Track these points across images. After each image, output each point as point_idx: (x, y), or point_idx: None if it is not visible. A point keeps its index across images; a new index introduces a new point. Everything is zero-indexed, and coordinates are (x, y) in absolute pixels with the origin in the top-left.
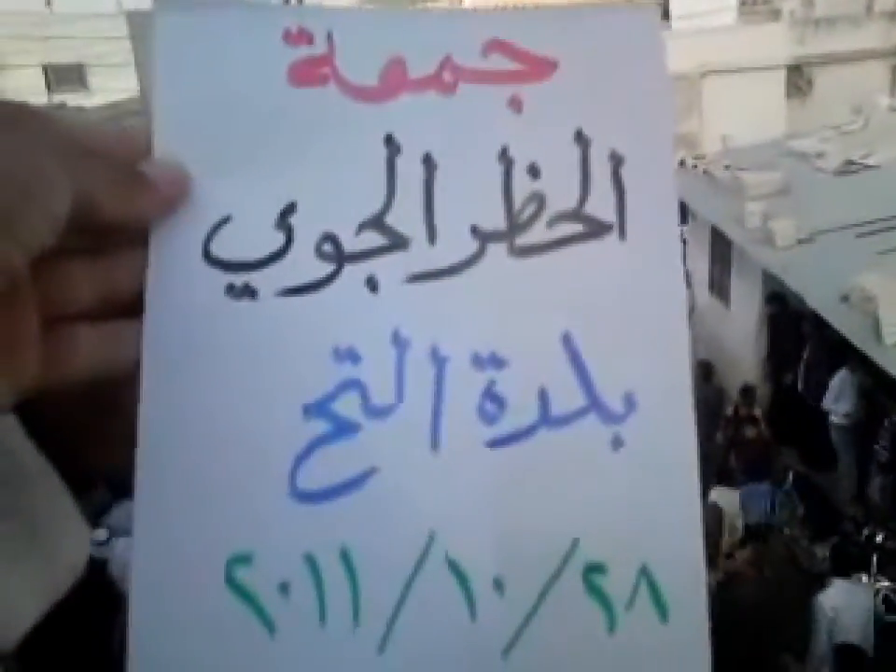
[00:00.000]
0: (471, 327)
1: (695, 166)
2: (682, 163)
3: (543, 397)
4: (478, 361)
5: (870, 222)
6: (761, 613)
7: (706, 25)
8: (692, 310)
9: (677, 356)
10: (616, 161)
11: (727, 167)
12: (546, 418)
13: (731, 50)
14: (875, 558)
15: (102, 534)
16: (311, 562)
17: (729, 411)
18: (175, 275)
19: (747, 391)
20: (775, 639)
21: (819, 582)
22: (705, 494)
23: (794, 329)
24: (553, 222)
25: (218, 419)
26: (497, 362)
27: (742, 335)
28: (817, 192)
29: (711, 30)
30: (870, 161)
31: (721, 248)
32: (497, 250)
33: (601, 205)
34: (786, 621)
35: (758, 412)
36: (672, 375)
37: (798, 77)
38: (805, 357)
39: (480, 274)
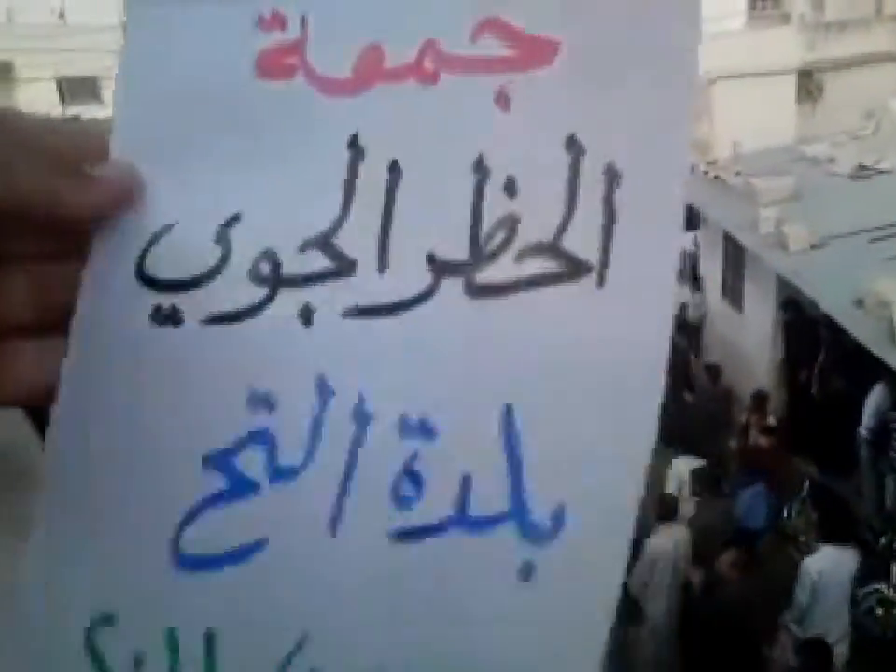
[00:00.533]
0: (405, 382)
1: (706, 172)
2: (693, 169)
3: (465, 487)
4: (405, 427)
5: (882, 227)
6: (747, 613)
7: (714, 30)
8: (704, 315)
9: (633, 466)
10: (611, 178)
11: (738, 173)
12: (461, 517)
13: (740, 55)
14: (894, 567)
15: None
16: (171, 638)
17: (742, 418)
18: (105, 292)
19: (759, 398)
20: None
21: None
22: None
23: (809, 335)
24: (522, 256)
25: (119, 462)
26: (425, 432)
27: (755, 340)
28: (829, 197)
29: (720, 34)
30: (882, 166)
31: (733, 253)
32: (451, 286)
33: (583, 238)
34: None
35: (772, 419)
36: (619, 492)
37: (808, 82)
38: (819, 362)
39: (427, 316)
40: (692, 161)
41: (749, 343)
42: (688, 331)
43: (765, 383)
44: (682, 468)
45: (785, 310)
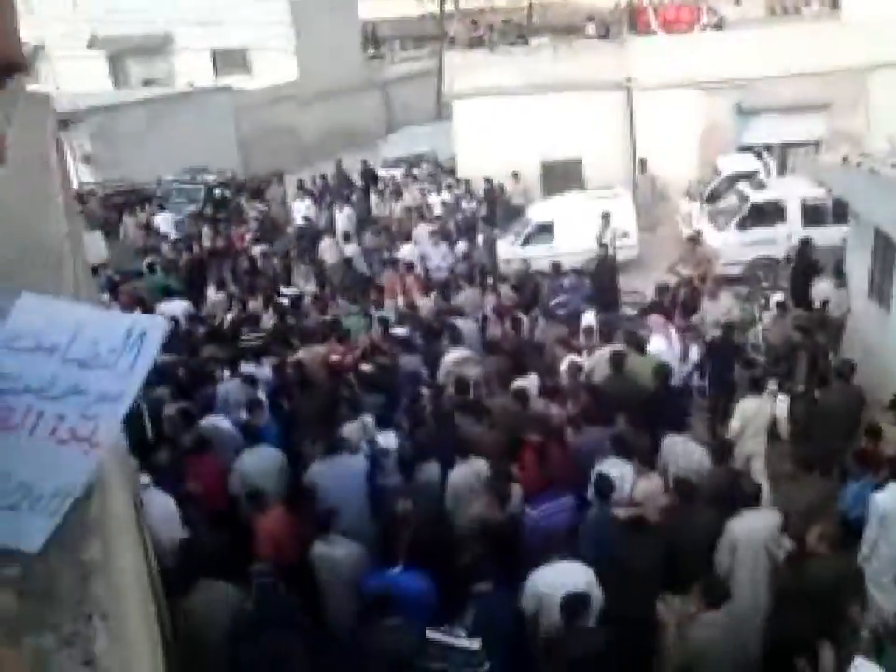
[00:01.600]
0: None
1: (860, 164)
2: (846, 160)
3: None
4: None
5: None
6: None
7: (878, 15)
8: (847, 313)
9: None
10: None
11: (894, 166)
12: None
13: None
14: None
15: (145, 479)
16: None
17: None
18: None
19: None
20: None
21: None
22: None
23: None
24: None
25: None
26: None
27: None
28: None
29: (884, 20)
30: None
31: (883, 250)
32: None
33: None
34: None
35: None
36: None
37: None
38: None
39: None
40: (844, 152)
41: (893, 345)
42: (828, 328)
43: None
44: None
45: None
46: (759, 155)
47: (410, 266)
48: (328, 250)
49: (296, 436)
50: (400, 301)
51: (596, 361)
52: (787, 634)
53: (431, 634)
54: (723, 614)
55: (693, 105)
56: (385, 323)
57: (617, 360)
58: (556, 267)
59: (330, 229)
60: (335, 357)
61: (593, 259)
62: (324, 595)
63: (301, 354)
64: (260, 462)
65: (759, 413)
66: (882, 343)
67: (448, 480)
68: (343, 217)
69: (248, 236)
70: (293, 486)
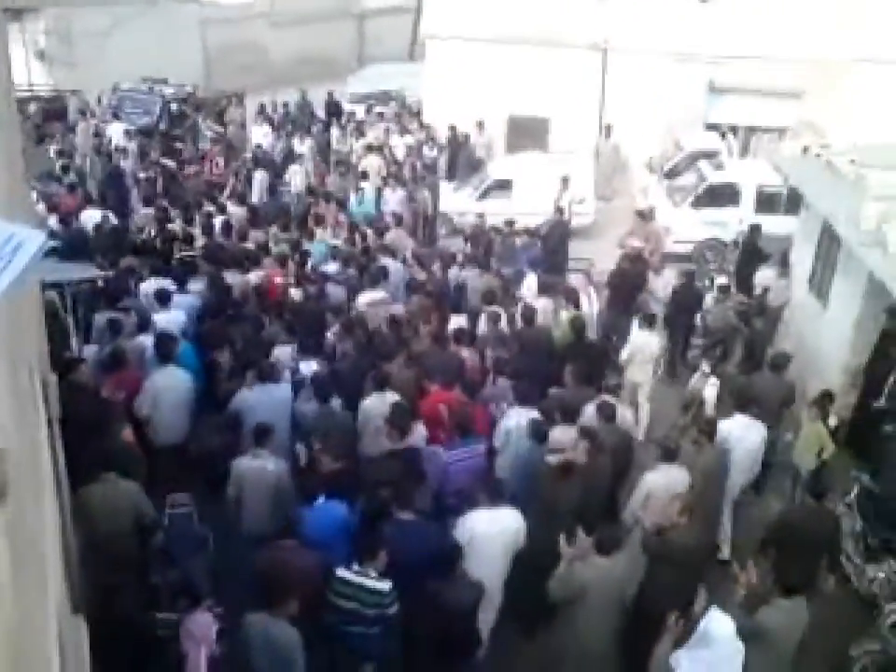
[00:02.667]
0: None
1: (819, 155)
2: (806, 150)
3: None
4: None
5: None
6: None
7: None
8: (786, 303)
9: None
10: None
11: (853, 161)
12: None
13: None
14: None
15: None
16: None
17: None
18: None
19: (823, 398)
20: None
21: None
22: None
23: None
24: None
25: None
26: None
27: (835, 338)
28: None
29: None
30: None
31: (829, 245)
32: None
33: None
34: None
35: (833, 420)
36: None
37: None
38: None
39: None
40: (806, 142)
41: (827, 340)
42: (767, 316)
43: (834, 382)
44: None
45: (891, 316)
46: (723, 135)
47: (341, 203)
48: (295, 176)
49: (219, 357)
50: (329, 234)
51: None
52: (656, 593)
53: (342, 572)
54: (611, 561)
55: (665, 76)
56: (305, 255)
57: (529, 314)
58: (510, 223)
59: (290, 157)
60: (279, 280)
61: (547, 222)
62: (244, 505)
63: (252, 276)
64: (172, 382)
65: (646, 345)
66: (816, 337)
67: (360, 409)
68: (306, 149)
69: (220, 161)
70: (207, 404)
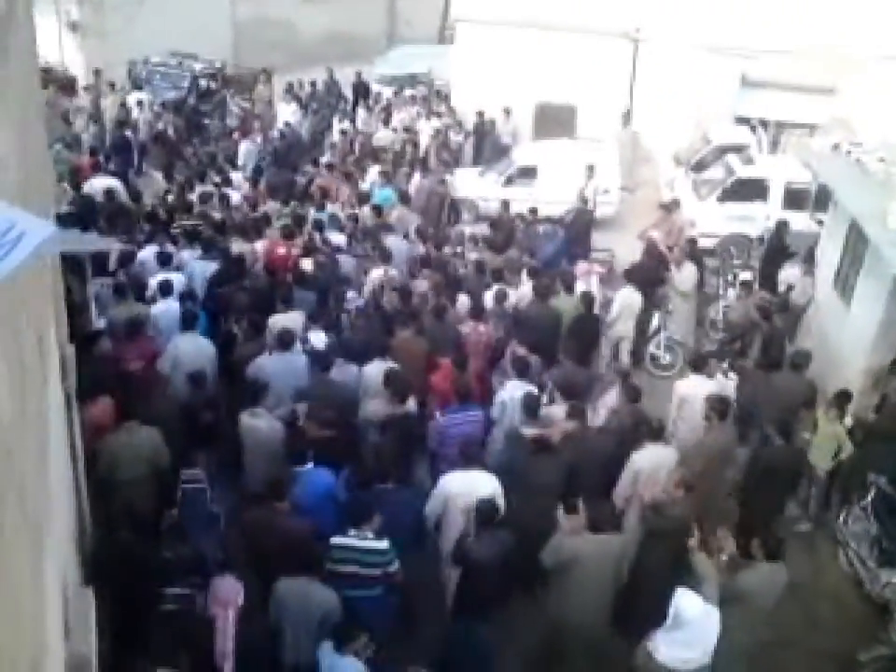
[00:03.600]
0: None
1: (849, 153)
2: (836, 147)
3: None
4: None
5: None
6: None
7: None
8: (809, 301)
9: None
10: None
11: (882, 160)
12: None
13: None
14: None
15: None
16: None
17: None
18: None
19: (841, 397)
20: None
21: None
22: None
23: None
24: None
25: None
26: None
27: (857, 338)
28: None
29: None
30: None
31: (855, 244)
32: None
33: None
34: None
35: (848, 421)
36: None
37: None
38: None
39: None
40: (836, 139)
41: (850, 340)
42: (789, 314)
43: (855, 383)
44: None
45: None
46: (753, 129)
47: (348, 175)
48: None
49: (229, 325)
50: (339, 208)
51: (525, 292)
52: (651, 567)
53: (338, 540)
54: (606, 536)
55: (696, 68)
56: (319, 225)
57: (542, 290)
58: (534, 211)
59: (321, 135)
60: (281, 251)
61: (570, 211)
62: (246, 459)
63: (258, 245)
64: (193, 348)
65: (632, 301)
66: (838, 336)
67: (362, 376)
68: (343, 127)
69: None
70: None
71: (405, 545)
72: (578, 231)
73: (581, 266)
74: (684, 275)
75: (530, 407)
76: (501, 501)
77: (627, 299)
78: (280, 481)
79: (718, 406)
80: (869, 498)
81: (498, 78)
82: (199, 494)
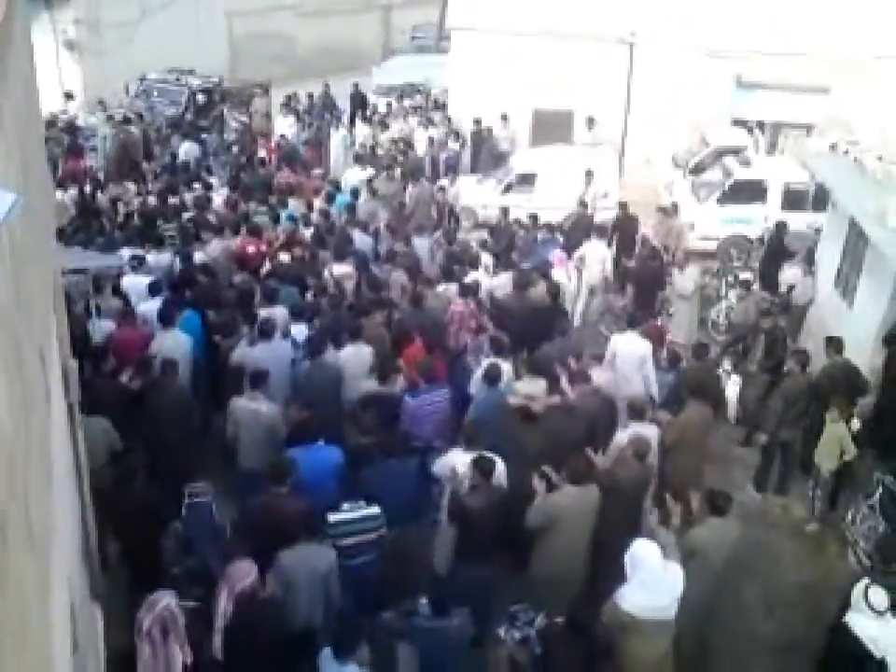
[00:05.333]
0: None
1: (847, 152)
2: (834, 147)
3: None
4: None
5: None
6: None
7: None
8: (810, 301)
9: None
10: None
11: (880, 158)
12: None
13: None
14: None
15: None
16: None
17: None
18: None
19: (845, 399)
20: None
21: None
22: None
23: None
24: None
25: None
26: None
27: (860, 338)
28: None
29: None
30: None
31: (855, 243)
32: None
33: None
34: None
35: (857, 423)
36: None
37: None
38: None
39: None
40: (833, 138)
41: (852, 339)
42: (791, 314)
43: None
44: None
45: None
46: (750, 131)
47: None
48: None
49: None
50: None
51: (502, 281)
52: (606, 523)
53: (336, 516)
54: (584, 489)
55: (692, 71)
56: (294, 220)
57: (520, 280)
58: (534, 218)
59: (318, 149)
60: (251, 249)
61: (570, 216)
62: (240, 442)
63: (232, 243)
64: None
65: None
66: (840, 336)
67: (339, 358)
68: (338, 138)
69: None
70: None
71: (403, 516)
72: (577, 237)
73: (556, 253)
74: (686, 278)
75: (491, 376)
76: (503, 480)
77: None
78: (281, 465)
79: (692, 386)
80: (877, 496)
81: (495, 86)
82: (204, 507)
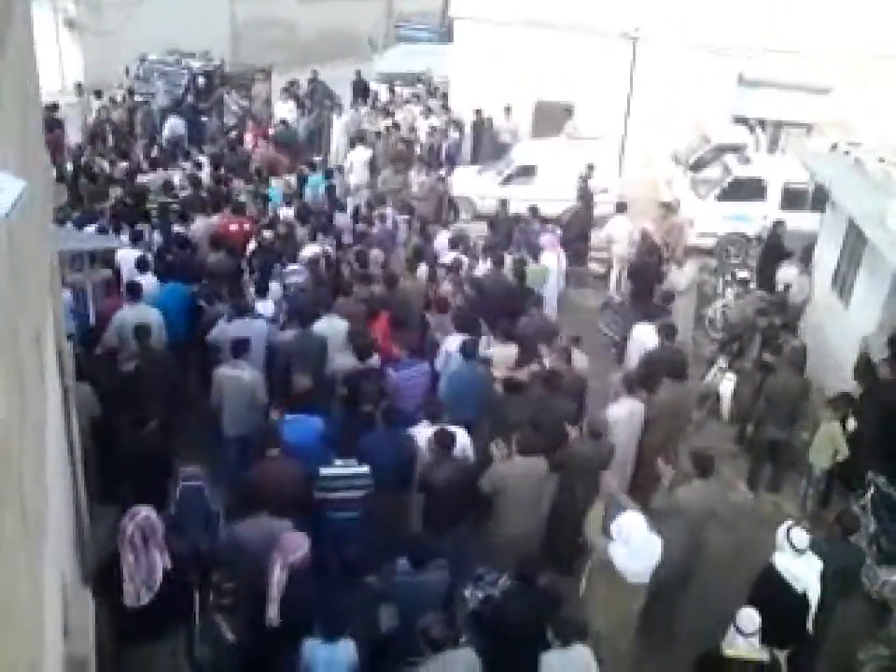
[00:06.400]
0: None
1: (847, 153)
2: (834, 147)
3: None
4: None
5: None
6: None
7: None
8: (807, 300)
9: None
10: None
11: (881, 160)
12: None
13: None
14: None
15: None
16: None
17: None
18: None
19: (839, 400)
20: None
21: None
22: None
23: None
24: None
25: None
26: None
27: (856, 338)
28: None
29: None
30: None
31: (854, 243)
32: None
33: None
34: None
35: (851, 424)
36: None
37: None
38: None
39: None
40: (834, 138)
41: (848, 339)
42: (787, 313)
43: (851, 382)
44: None
45: None
46: (751, 129)
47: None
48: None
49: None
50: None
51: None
52: (564, 495)
53: (328, 470)
54: (531, 461)
55: (694, 68)
56: (265, 198)
57: (495, 258)
58: (534, 211)
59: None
60: (233, 228)
61: (568, 210)
62: (224, 409)
63: (215, 219)
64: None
65: (621, 227)
66: (836, 336)
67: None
68: (340, 125)
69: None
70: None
71: (397, 481)
72: (576, 230)
73: (546, 238)
74: (680, 274)
75: (468, 351)
76: (470, 452)
77: (619, 227)
78: (272, 428)
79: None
80: (868, 496)
81: (497, 77)
82: (197, 492)
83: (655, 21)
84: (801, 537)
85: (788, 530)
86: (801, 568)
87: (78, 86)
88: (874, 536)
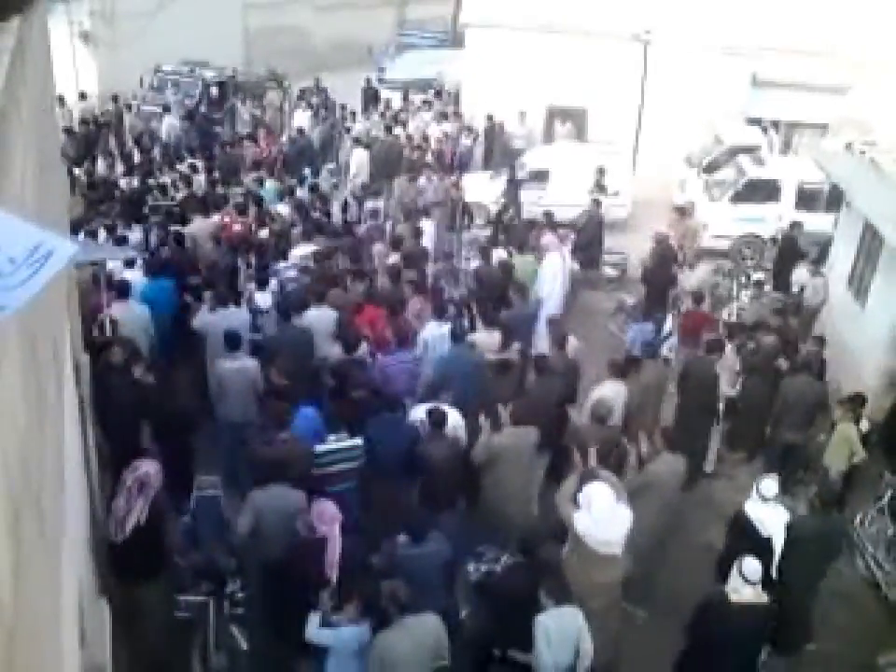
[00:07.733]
0: None
1: (863, 153)
2: (849, 147)
3: None
4: None
5: None
6: None
7: None
8: (823, 301)
9: None
10: None
11: None
12: None
13: None
14: None
15: None
16: None
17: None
18: None
19: (854, 400)
20: None
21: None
22: None
23: None
24: None
25: None
26: None
27: (873, 339)
28: None
29: None
30: None
31: (870, 244)
32: None
33: None
34: None
35: (865, 424)
36: None
37: None
38: None
39: None
40: (848, 138)
41: (865, 341)
42: (803, 315)
43: (871, 384)
44: None
45: None
46: (765, 130)
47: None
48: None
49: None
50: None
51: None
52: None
53: (322, 447)
54: (524, 430)
55: (707, 69)
56: (259, 199)
57: (485, 253)
58: (549, 215)
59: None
60: (237, 227)
61: (582, 214)
62: (225, 399)
63: (215, 218)
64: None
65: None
66: (853, 337)
67: (304, 320)
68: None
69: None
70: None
71: (399, 462)
72: (589, 235)
73: (548, 237)
74: (692, 277)
75: (456, 336)
76: (462, 433)
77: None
78: (283, 410)
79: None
80: (885, 500)
81: (509, 82)
82: (213, 501)
83: (667, 24)
84: (769, 486)
85: (759, 480)
86: (768, 515)
87: (82, 94)
88: (892, 540)
